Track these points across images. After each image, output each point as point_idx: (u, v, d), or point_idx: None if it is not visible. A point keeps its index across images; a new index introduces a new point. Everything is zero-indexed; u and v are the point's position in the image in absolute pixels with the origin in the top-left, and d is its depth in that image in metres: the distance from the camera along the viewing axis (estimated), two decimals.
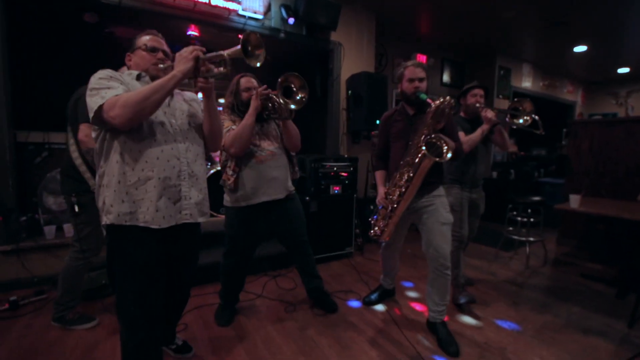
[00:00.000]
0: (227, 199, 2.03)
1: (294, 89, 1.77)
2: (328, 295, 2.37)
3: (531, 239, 3.39)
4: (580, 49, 5.27)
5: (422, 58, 5.01)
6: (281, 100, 1.75)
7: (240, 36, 3.39)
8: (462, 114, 2.44)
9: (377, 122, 3.71)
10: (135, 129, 1.19)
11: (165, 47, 1.38)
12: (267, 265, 2.98)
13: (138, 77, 1.30)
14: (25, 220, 2.61)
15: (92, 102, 1.13)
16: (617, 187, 3.49)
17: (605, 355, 1.84)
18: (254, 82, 2.00)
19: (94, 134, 1.25)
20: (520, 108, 2.10)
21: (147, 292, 1.24)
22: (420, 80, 1.90)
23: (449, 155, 1.68)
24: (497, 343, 1.95)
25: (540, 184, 5.41)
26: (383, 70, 4.66)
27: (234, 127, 1.88)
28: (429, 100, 1.80)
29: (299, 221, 2.16)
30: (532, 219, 3.42)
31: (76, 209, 1.89)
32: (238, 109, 1.98)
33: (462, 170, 2.33)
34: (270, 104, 1.87)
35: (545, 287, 2.80)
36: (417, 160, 1.79)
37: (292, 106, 1.75)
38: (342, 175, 3.31)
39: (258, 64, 1.22)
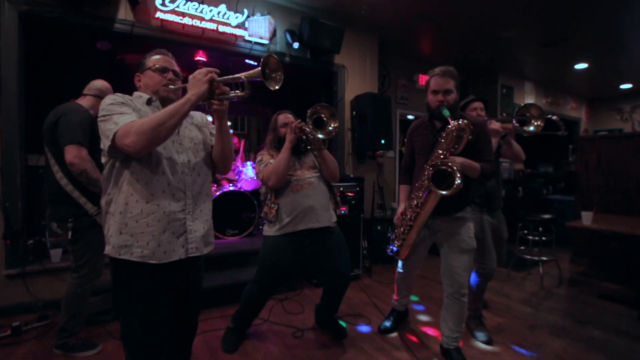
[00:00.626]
0: (265, 229, 2.03)
1: (325, 118, 1.85)
2: (336, 321, 2.30)
3: (544, 258, 3.30)
4: (581, 66, 5.33)
5: (424, 79, 5.09)
6: (311, 131, 1.82)
7: (247, 60, 3.50)
8: None
9: (382, 141, 3.74)
10: (145, 159, 1.15)
11: (176, 67, 1.34)
12: None
13: (149, 102, 1.26)
14: (32, 244, 2.61)
15: (106, 128, 1.10)
16: (628, 203, 3.42)
17: None
18: (290, 117, 2.07)
19: (103, 159, 1.21)
20: (528, 114, 1.94)
21: (149, 321, 1.20)
22: (446, 92, 1.71)
23: (455, 191, 1.51)
24: None
25: (549, 201, 5.34)
26: (386, 91, 4.73)
27: (271, 161, 1.93)
28: (449, 119, 1.61)
29: (339, 255, 2.06)
30: (543, 238, 3.34)
31: (69, 235, 1.82)
32: (276, 144, 2.04)
33: (487, 192, 2.15)
34: (304, 136, 1.93)
35: (562, 308, 2.69)
36: (426, 186, 1.66)
37: (320, 136, 1.82)
38: (349, 196, 3.29)
39: (277, 87, 1.21)
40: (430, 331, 2.29)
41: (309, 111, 1.80)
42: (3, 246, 2.38)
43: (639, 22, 3.83)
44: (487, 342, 2.12)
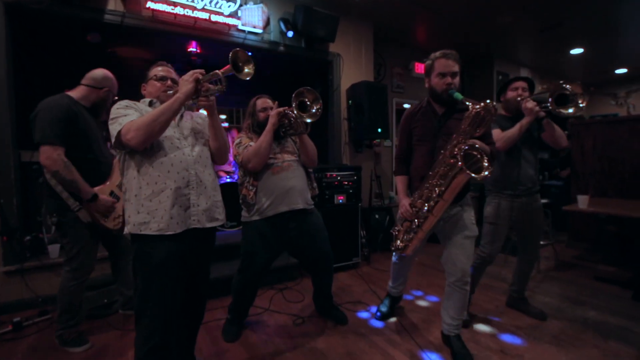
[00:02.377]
0: (245, 215, 2.02)
1: (308, 102, 1.83)
2: (337, 308, 2.32)
3: (541, 242, 3.33)
4: (576, 51, 5.32)
5: (420, 66, 5.06)
6: (297, 115, 1.80)
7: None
8: (502, 111, 2.13)
9: (379, 130, 3.73)
10: (149, 147, 1.33)
11: (174, 75, 1.54)
12: (273, 278, 2.93)
13: (150, 104, 1.47)
14: (29, 240, 2.60)
15: (113, 129, 1.30)
16: (624, 186, 3.45)
17: None
18: (269, 102, 2.07)
19: (116, 154, 1.40)
20: (568, 93, 1.71)
21: (165, 292, 1.32)
22: (453, 75, 1.65)
23: (486, 173, 1.43)
24: (513, 350, 1.89)
25: (545, 186, 5.37)
26: (382, 79, 4.70)
27: (251, 143, 1.93)
28: (467, 102, 1.52)
29: (321, 236, 2.11)
30: None
31: (53, 229, 1.86)
32: (256, 128, 2.04)
33: (502, 176, 2.06)
34: (286, 120, 1.93)
35: (559, 291, 2.73)
36: (450, 173, 1.54)
37: (308, 120, 1.81)
38: (346, 185, 3.29)
39: (248, 78, 1.34)
40: (431, 317, 2.32)
41: (293, 95, 1.79)
42: (0, 243, 2.36)
43: (633, 6, 3.81)
44: (464, 324, 2.09)
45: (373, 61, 4.16)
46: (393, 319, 2.28)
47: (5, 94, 2.36)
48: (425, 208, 1.66)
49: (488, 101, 1.47)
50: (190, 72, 1.35)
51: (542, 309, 2.30)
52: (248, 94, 2.28)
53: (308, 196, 2.08)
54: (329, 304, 2.30)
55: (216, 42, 3.16)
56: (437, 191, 1.60)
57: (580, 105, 1.69)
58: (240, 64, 1.33)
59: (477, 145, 1.48)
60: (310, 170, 2.16)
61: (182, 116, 1.49)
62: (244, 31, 3.14)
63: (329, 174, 3.20)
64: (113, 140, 1.31)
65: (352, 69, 3.91)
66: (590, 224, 3.77)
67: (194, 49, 3.77)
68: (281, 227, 1.98)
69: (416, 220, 1.73)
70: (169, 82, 1.51)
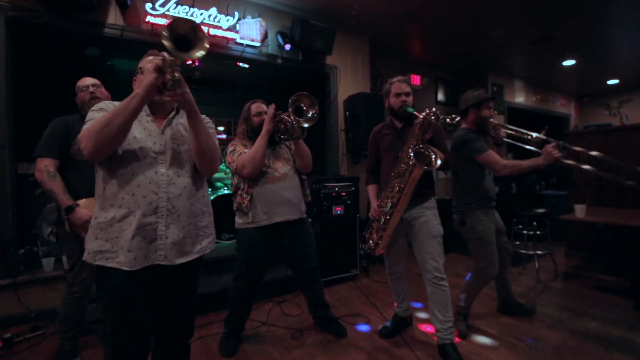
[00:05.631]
0: (239, 222, 2.00)
1: (304, 107, 1.82)
2: (336, 320, 2.29)
3: (539, 252, 3.33)
4: (568, 63, 5.42)
5: (416, 78, 5.14)
6: (293, 119, 1.78)
7: (239, 64, 3.45)
8: (466, 125, 2.22)
9: None
10: (116, 161, 1.10)
11: None
12: (271, 291, 2.89)
13: None
14: (23, 253, 2.56)
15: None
16: (621, 196, 3.47)
17: None
18: (264, 107, 2.06)
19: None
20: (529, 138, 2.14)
21: (125, 328, 1.14)
22: (407, 94, 1.96)
23: (439, 162, 1.69)
24: None
25: (542, 196, 5.39)
26: (379, 91, 4.75)
27: (246, 150, 1.92)
28: (415, 113, 1.84)
29: (310, 246, 2.13)
30: (538, 232, 3.37)
31: (52, 238, 1.90)
32: (250, 134, 2.02)
33: (488, 191, 2.15)
34: (282, 126, 1.92)
35: (559, 301, 2.71)
36: (407, 170, 1.79)
37: (306, 125, 1.79)
38: (344, 195, 3.28)
39: (200, 53, 1.02)
40: (429, 328, 2.29)
41: (290, 100, 1.77)
42: None
43: (622, 19, 3.91)
44: (461, 335, 2.13)
45: (369, 73, 4.21)
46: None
47: (4, 106, 2.36)
48: (390, 204, 1.87)
49: (433, 109, 1.78)
50: (153, 60, 1.10)
51: (533, 305, 2.47)
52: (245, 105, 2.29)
53: (303, 206, 2.10)
54: (326, 314, 2.26)
55: (215, 55, 3.20)
56: (397, 187, 1.83)
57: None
58: (185, 36, 1.00)
59: (422, 145, 1.76)
60: (305, 177, 2.15)
61: (170, 121, 1.22)
62: (242, 44, 3.18)
63: (327, 184, 3.20)
64: (74, 147, 1.16)
65: (348, 80, 3.96)
66: (588, 234, 3.77)
67: (193, 62, 3.82)
68: (276, 236, 1.97)
69: (383, 218, 1.91)
70: None
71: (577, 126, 7.76)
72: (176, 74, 1.03)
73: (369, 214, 2.04)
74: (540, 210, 3.37)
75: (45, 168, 1.78)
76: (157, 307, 1.22)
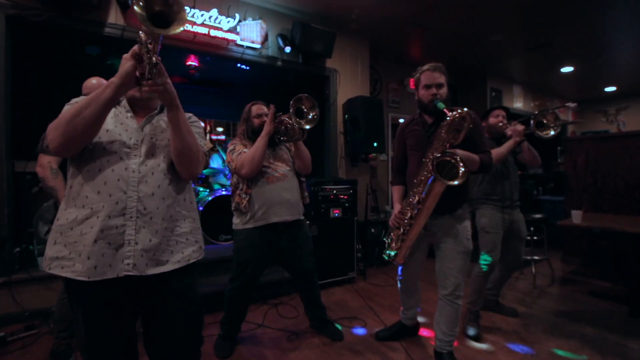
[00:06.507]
0: (236, 222, 2.00)
1: (305, 109, 1.83)
2: (332, 323, 2.28)
3: (536, 257, 3.34)
4: (566, 69, 5.46)
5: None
6: (294, 121, 1.80)
7: (239, 65, 3.46)
8: (486, 134, 2.29)
9: (375, 144, 3.76)
10: (85, 156, 0.98)
11: None
12: (267, 293, 2.89)
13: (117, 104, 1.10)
14: (19, 252, 2.54)
15: None
16: (617, 202, 3.48)
17: None
18: (264, 109, 2.06)
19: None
20: (545, 121, 2.12)
21: (96, 342, 1.02)
22: (439, 86, 1.71)
23: (463, 179, 1.46)
24: None
25: (539, 202, 5.41)
26: (378, 94, 4.77)
27: (245, 150, 1.93)
28: (445, 110, 1.58)
29: (307, 248, 2.12)
30: (535, 237, 3.38)
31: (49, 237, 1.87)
32: (250, 135, 2.03)
33: (495, 189, 2.24)
34: (282, 127, 1.93)
35: (555, 307, 2.72)
36: (428, 181, 1.60)
37: (306, 126, 1.81)
38: (342, 198, 3.29)
39: (180, 29, 0.91)
40: (426, 332, 2.29)
41: (291, 102, 1.80)
42: None
43: (620, 26, 3.95)
44: (475, 338, 2.15)
45: (369, 76, 4.23)
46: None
47: (2, 104, 2.36)
48: (409, 215, 1.71)
49: (465, 109, 1.53)
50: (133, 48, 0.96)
51: (514, 308, 2.58)
52: (245, 106, 2.29)
53: (301, 207, 2.10)
54: (323, 316, 2.25)
55: (215, 57, 3.21)
56: (417, 198, 1.65)
57: (556, 128, 2.08)
58: (162, 12, 0.91)
59: (448, 152, 1.54)
60: (303, 179, 2.16)
61: (151, 118, 1.11)
62: (242, 46, 3.19)
63: (325, 187, 3.20)
64: (40, 142, 1.01)
65: (348, 84, 3.97)
66: (584, 239, 3.78)
67: (193, 63, 3.82)
68: (273, 236, 1.97)
69: (402, 229, 1.76)
70: None
71: (574, 132, 7.80)
72: (153, 58, 0.92)
73: (390, 221, 1.88)
74: (538, 216, 3.38)
75: (49, 164, 1.78)
76: (145, 331, 1.09)
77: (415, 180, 1.70)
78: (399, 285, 2.11)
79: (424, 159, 1.67)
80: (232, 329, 2.09)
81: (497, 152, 2.08)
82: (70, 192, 1.00)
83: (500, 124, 2.29)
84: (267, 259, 2.02)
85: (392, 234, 1.85)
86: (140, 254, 0.98)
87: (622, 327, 2.32)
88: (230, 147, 2.00)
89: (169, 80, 0.99)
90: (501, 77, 5.82)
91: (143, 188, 1.01)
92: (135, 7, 0.86)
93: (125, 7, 2.69)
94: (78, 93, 1.97)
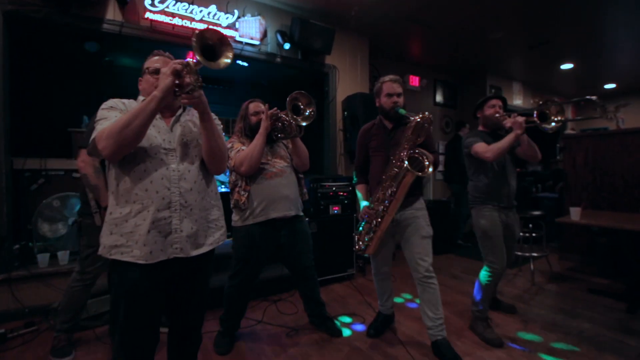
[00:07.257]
0: (235, 219, 2.01)
1: (302, 106, 1.84)
2: (331, 319, 2.29)
3: (534, 254, 3.35)
4: (566, 66, 5.45)
5: (415, 79, 5.15)
6: (291, 118, 1.80)
7: (238, 61, 3.45)
8: (480, 127, 2.30)
9: None
10: (128, 158, 1.14)
11: None
12: (267, 289, 2.90)
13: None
14: (18, 249, 2.55)
15: (93, 134, 1.13)
16: (616, 199, 3.49)
17: None
18: (261, 106, 2.07)
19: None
20: (548, 112, 1.91)
21: (133, 322, 1.17)
22: (399, 95, 1.94)
23: (430, 170, 1.71)
24: None
25: (538, 199, 5.42)
26: None
27: (243, 147, 1.93)
28: (407, 115, 1.83)
29: (306, 244, 2.13)
30: (534, 234, 3.39)
31: (77, 230, 1.93)
32: (248, 132, 2.04)
33: (493, 188, 2.16)
34: (280, 124, 1.94)
35: (553, 303, 2.73)
36: (399, 174, 1.80)
37: (303, 123, 1.81)
38: (341, 195, 3.29)
39: (227, 60, 1.10)
40: (424, 328, 2.29)
41: (287, 99, 1.80)
42: None
43: (620, 24, 3.94)
44: (499, 345, 2.04)
45: (368, 73, 4.22)
46: (388, 332, 2.25)
47: (1, 100, 2.35)
48: (381, 208, 1.87)
49: (427, 113, 1.79)
50: (170, 64, 1.12)
51: (513, 304, 2.58)
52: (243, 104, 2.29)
53: (300, 203, 2.11)
54: (322, 312, 2.26)
55: None
56: (389, 191, 1.84)
57: (559, 118, 1.88)
58: (213, 46, 1.08)
59: (417, 150, 1.78)
60: (302, 176, 2.17)
61: (178, 118, 1.27)
62: (241, 42, 3.18)
63: (324, 184, 3.20)
64: (90, 147, 1.14)
65: (347, 80, 3.96)
66: (582, 237, 3.79)
67: (192, 59, 3.81)
68: (273, 233, 1.98)
69: (374, 221, 1.91)
70: None
71: (573, 129, 7.80)
72: (199, 78, 1.11)
73: (359, 215, 2.05)
74: (536, 213, 3.39)
75: (93, 162, 1.82)
76: (170, 299, 1.27)
77: (383, 177, 1.89)
78: (375, 281, 2.22)
79: (390, 157, 1.87)
80: (232, 325, 2.10)
81: (496, 146, 2.00)
82: (119, 190, 1.15)
83: (497, 115, 2.15)
84: (266, 255, 2.02)
85: (364, 226, 2.00)
86: (185, 239, 1.19)
87: (620, 324, 2.33)
88: (228, 145, 2.00)
89: (202, 92, 1.16)
90: (501, 74, 5.81)
91: (183, 184, 1.19)
92: (195, 51, 1.05)
93: (123, 3, 2.67)
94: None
